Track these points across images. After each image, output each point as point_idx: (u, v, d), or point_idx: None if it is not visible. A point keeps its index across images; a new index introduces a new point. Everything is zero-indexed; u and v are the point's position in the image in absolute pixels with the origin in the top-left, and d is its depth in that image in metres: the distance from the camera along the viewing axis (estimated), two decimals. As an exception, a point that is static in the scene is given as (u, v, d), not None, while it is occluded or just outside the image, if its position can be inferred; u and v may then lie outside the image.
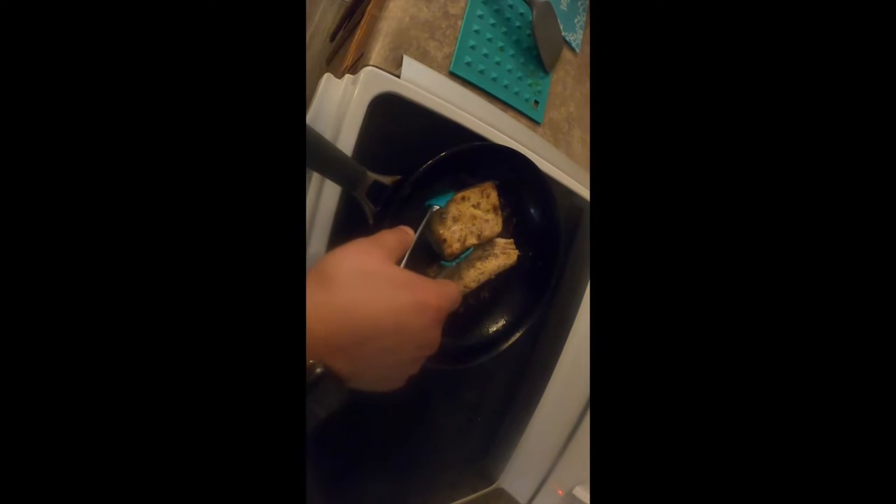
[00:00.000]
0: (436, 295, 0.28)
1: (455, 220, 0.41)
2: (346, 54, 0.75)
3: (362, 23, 0.70)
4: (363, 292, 0.26)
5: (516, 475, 0.64)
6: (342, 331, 0.25)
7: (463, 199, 0.41)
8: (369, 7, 0.70)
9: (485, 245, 0.44)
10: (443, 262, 0.42)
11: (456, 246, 0.41)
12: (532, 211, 0.47)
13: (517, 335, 0.46)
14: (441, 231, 0.40)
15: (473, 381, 0.61)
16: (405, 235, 0.33)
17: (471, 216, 0.42)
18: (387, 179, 0.36)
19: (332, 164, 0.33)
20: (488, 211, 0.43)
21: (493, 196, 0.43)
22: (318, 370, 0.24)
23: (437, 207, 0.39)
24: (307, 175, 0.38)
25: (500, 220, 0.43)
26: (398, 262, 0.32)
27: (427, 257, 0.43)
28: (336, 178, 0.34)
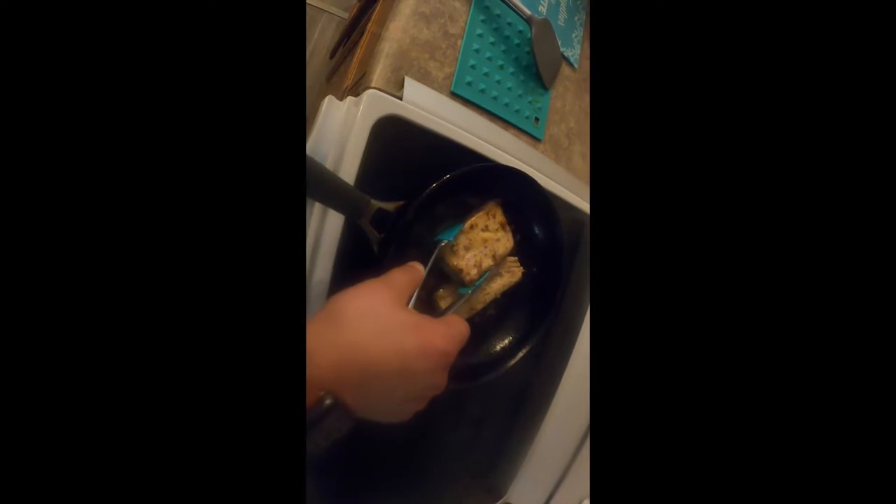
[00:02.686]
0: (443, 338, 0.29)
1: (467, 248, 0.41)
2: (346, 72, 0.76)
3: (362, 41, 0.71)
4: (371, 333, 0.27)
5: (524, 489, 0.63)
6: (349, 367, 0.26)
7: (471, 227, 0.42)
8: (369, 25, 0.70)
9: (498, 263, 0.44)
10: (460, 290, 0.42)
11: (474, 272, 0.41)
12: (536, 229, 0.47)
13: (523, 352, 0.46)
14: (456, 262, 0.41)
15: (479, 396, 0.61)
16: (415, 273, 0.34)
17: (482, 240, 0.42)
18: (390, 206, 0.36)
19: (334, 194, 0.33)
20: (497, 230, 0.43)
21: (499, 214, 0.44)
22: (328, 401, 0.24)
23: (446, 242, 0.39)
24: (310, 204, 0.39)
25: (510, 236, 0.44)
26: (408, 301, 0.32)
27: (440, 280, 0.43)
28: (339, 208, 0.35)
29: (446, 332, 0.29)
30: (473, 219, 0.42)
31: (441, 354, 0.28)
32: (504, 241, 0.43)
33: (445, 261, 0.41)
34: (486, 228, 0.42)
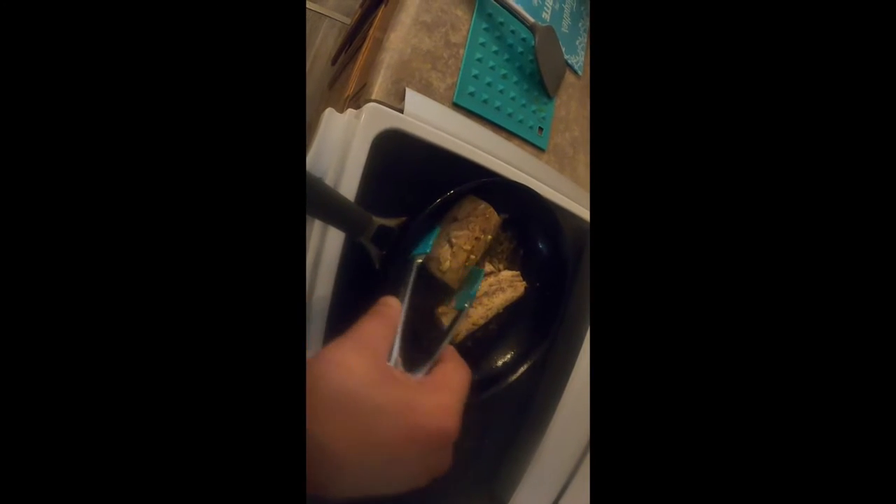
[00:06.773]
0: (435, 415, 0.23)
1: (453, 253, 0.40)
2: (348, 80, 0.75)
3: (364, 47, 0.70)
4: (342, 425, 0.21)
5: (527, 498, 0.63)
6: (317, 470, 0.21)
7: (455, 222, 0.40)
8: (372, 30, 0.69)
9: (491, 281, 0.44)
10: (456, 305, 0.40)
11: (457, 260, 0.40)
12: (540, 244, 0.47)
13: (524, 367, 0.46)
14: (445, 266, 0.39)
15: (482, 406, 0.61)
16: (389, 313, 0.27)
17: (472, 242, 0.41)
18: (392, 222, 0.36)
19: (335, 212, 0.33)
20: (490, 233, 0.42)
21: (493, 214, 0.42)
22: None
23: (423, 255, 0.36)
24: (311, 221, 0.38)
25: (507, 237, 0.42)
26: (389, 354, 0.26)
27: (438, 294, 0.42)
28: (340, 226, 0.34)
29: (439, 403, 0.24)
30: (462, 223, 0.40)
31: (436, 435, 0.23)
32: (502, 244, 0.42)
33: (432, 272, 0.39)
34: (482, 234, 0.41)
